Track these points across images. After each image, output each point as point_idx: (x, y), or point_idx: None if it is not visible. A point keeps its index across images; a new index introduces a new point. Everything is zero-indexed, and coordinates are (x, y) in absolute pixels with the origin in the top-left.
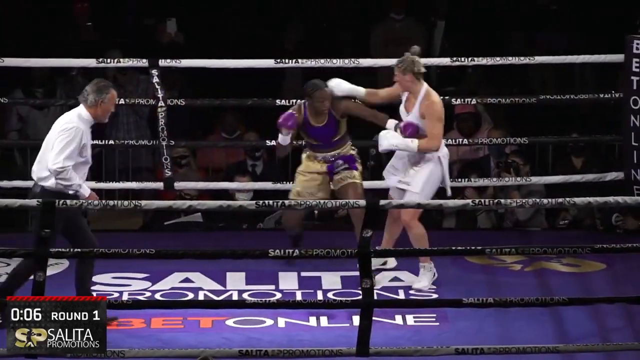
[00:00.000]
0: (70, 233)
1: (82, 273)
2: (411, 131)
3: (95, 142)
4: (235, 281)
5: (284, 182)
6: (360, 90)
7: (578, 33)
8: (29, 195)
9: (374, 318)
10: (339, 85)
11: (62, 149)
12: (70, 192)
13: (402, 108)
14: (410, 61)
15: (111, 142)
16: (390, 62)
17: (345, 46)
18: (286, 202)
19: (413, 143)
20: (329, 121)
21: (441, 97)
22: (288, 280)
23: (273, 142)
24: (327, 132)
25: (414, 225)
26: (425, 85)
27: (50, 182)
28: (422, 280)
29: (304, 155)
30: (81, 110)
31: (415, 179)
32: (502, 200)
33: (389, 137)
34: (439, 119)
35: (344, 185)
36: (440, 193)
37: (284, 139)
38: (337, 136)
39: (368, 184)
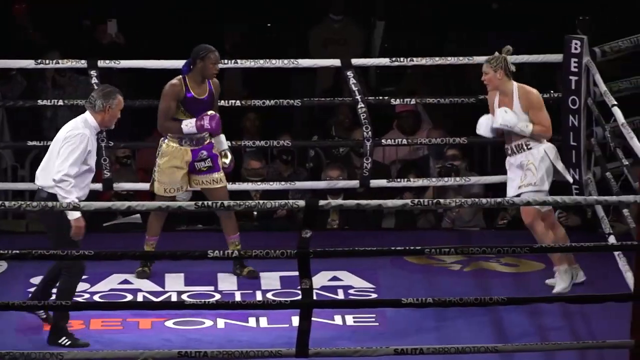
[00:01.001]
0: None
1: (53, 281)
2: (215, 123)
3: (34, 143)
4: (174, 282)
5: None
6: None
7: (518, 33)
8: (36, 201)
9: (313, 318)
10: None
11: (67, 157)
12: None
13: (496, 108)
14: (502, 59)
15: (50, 143)
16: (330, 62)
17: (285, 47)
18: (225, 203)
19: (529, 127)
20: (209, 94)
21: (381, 98)
22: (227, 281)
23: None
24: (206, 106)
25: (537, 225)
26: (515, 83)
27: (53, 190)
28: (560, 284)
29: (163, 145)
30: (88, 117)
31: (530, 178)
32: (442, 200)
33: (509, 116)
34: (541, 107)
35: (207, 189)
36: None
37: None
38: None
39: (307, 184)
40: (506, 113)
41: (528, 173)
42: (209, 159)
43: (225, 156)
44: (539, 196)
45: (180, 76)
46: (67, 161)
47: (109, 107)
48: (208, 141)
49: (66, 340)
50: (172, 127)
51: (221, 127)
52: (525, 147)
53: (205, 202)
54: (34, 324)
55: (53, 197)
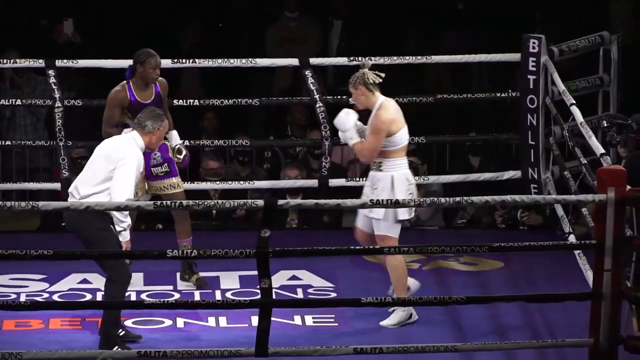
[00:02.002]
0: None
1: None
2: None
3: None
4: (134, 282)
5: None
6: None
7: (475, 32)
8: (72, 215)
9: (272, 318)
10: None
11: (128, 180)
12: (119, 228)
13: None
14: (360, 74)
15: (8, 142)
16: (288, 61)
17: (242, 46)
18: (184, 202)
19: (352, 140)
20: (155, 98)
21: (338, 97)
22: (186, 282)
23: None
24: (165, 147)
25: (394, 258)
26: (380, 100)
27: (93, 202)
28: (394, 318)
29: None
30: (136, 137)
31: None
32: (400, 200)
33: (345, 118)
34: (375, 132)
35: (165, 194)
36: None
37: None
38: None
39: (265, 184)
40: (347, 115)
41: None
42: (166, 164)
43: (179, 151)
44: (384, 226)
45: (125, 82)
46: (127, 186)
47: (157, 129)
48: (163, 143)
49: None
50: (115, 133)
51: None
52: (378, 167)
53: (164, 202)
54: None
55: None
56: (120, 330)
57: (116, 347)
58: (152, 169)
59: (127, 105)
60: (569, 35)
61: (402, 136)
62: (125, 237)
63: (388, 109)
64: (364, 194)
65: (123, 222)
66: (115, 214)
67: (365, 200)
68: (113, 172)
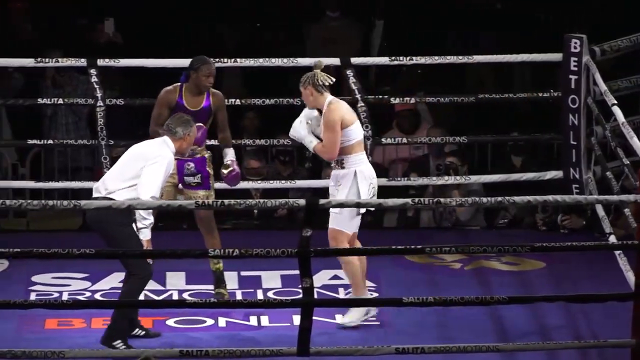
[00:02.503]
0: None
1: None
2: (200, 135)
3: (34, 141)
4: (175, 281)
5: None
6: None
7: (516, 32)
8: (94, 212)
9: (314, 317)
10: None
11: (156, 179)
12: (139, 224)
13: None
14: (311, 75)
15: (50, 141)
16: (329, 61)
17: (283, 46)
18: (225, 201)
19: (312, 143)
20: (203, 108)
21: (379, 97)
22: (228, 280)
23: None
24: (198, 118)
25: (349, 262)
26: (329, 98)
27: (119, 198)
28: (349, 315)
29: None
30: (167, 141)
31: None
32: (442, 200)
33: (297, 128)
34: (329, 128)
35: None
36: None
37: None
38: (206, 127)
39: (306, 183)
40: (300, 124)
41: (335, 194)
42: (199, 175)
43: (225, 167)
44: (340, 221)
45: (179, 84)
46: (155, 183)
47: (187, 135)
48: (201, 155)
49: (121, 344)
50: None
51: (205, 138)
52: (340, 165)
53: (206, 201)
54: (35, 322)
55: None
56: (139, 330)
57: (119, 341)
58: (184, 177)
59: (174, 107)
60: (611, 35)
61: (356, 130)
62: (146, 236)
63: (337, 105)
64: (330, 194)
65: (145, 220)
66: (140, 211)
67: (407, 200)
68: (142, 170)
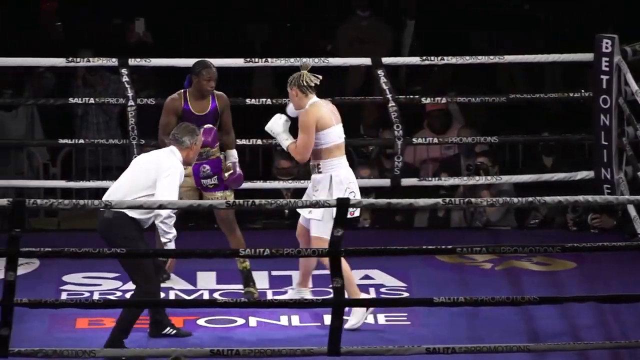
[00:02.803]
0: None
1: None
2: (211, 136)
3: (65, 141)
4: (206, 280)
5: (255, 181)
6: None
7: (547, 32)
8: (104, 222)
9: (345, 317)
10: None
11: (172, 191)
12: (163, 239)
13: None
14: (296, 76)
15: (81, 141)
16: (360, 61)
17: (313, 45)
18: (256, 201)
19: (287, 141)
20: (210, 112)
21: (410, 97)
22: (259, 280)
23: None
24: (204, 122)
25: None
26: (312, 100)
27: (136, 213)
28: (353, 318)
29: None
30: (175, 151)
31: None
32: (473, 200)
33: (275, 122)
34: (302, 130)
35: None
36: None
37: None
38: (216, 128)
39: None
40: (279, 119)
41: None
42: (215, 177)
43: (227, 169)
44: (320, 227)
45: (183, 90)
46: (172, 196)
47: (194, 144)
48: (216, 156)
49: (170, 329)
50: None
51: (217, 139)
52: (317, 169)
53: (237, 201)
54: (66, 321)
55: (131, 219)
56: (170, 329)
57: (168, 327)
58: (201, 180)
59: (180, 114)
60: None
61: (334, 133)
62: (171, 248)
63: (317, 106)
64: (307, 197)
65: (168, 234)
66: (161, 225)
67: (438, 200)
68: (154, 181)
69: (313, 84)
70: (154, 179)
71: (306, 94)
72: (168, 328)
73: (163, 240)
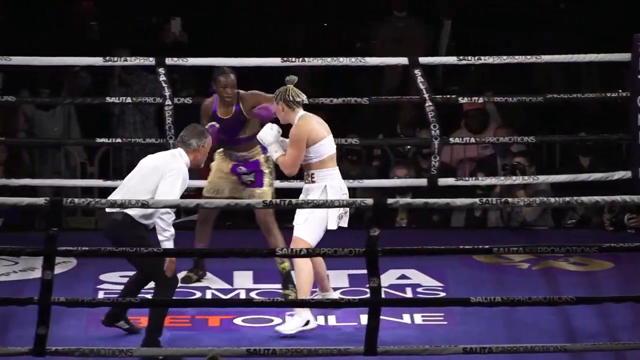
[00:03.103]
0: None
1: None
2: (264, 114)
3: (103, 140)
4: (243, 280)
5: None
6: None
7: (584, 32)
8: (110, 222)
9: (381, 317)
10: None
11: (174, 191)
12: (161, 237)
13: None
14: (282, 91)
15: (118, 140)
16: (397, 60)
17: (350, 45)
18: (293, 200)
19: (276, 153)
20: (234, 116)
21: (447, 96)
22: None
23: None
24: (231, 126)
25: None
26: (300, 114)
27: (135, 212)
28: (289, 323)
29: (216, 153)
30: (182, 154)
31: (300, 212)
32: (510, 200)
33: (266, 132)
34: (292, 145)
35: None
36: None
37: None
38: (243, 134)
39: (374, 183)
40: (271, 130)
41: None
42: (253, 174)
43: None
44: (303, 230)
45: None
46: (172, 195)
47: (201, 147)
48: (253, 159)
49: (124, 324)
50: None
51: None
52: (311, 179)
53: (273, 200)
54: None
55: (130, 219)
56: (124, 322)
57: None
58: (242, 175)
59: (211, 116)
60: None
61: (326, 145)
62: (168, 247)
63: (306, 120)
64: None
65: (166, 231)
66: (159, 222)
67: (475, 200)
68: (157, 185)
69: (299, 99)
70: (157, 182)
71: (293, 109)
72: (123, 322)
73: (160, 238)
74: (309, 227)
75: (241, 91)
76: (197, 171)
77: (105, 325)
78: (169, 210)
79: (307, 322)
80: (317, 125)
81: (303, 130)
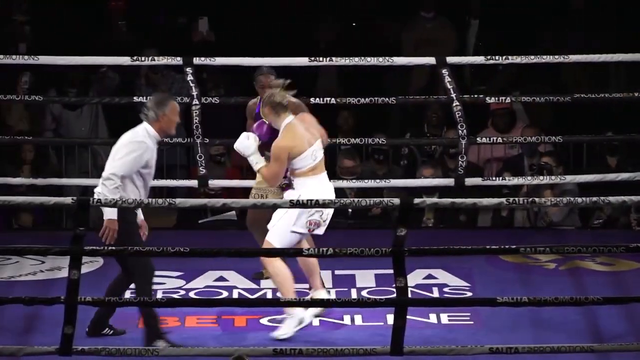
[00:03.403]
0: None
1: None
2: (261, 132)
3: None
4: (269, 280)
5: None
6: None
7: (611, 32)
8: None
9: (408, 316)
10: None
11: (121, 158)
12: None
13: None
14: (269, 94)
15: None
16: (424, 60)
17: (377, 45)
18: (320, 200)
19: (257, 165)
20: None
21: (474, 96)
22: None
23: None
24: (270, 127)
25: (269, 263)
26: (286, 121)
27: (98, 189)
28: (283, 328)
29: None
30: (147, 126)
31: (275, 215)
32: (537, 200)
33: (243, 144)
34: (274, 157)
35: None
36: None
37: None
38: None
39: (399, 182)
40: (247, 139)
41: (274, 217)
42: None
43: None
44: (272, 234)
45: None
46: (118, 162)
47: (162, 115)
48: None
49: (108, 330)
50: None
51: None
52: (291, 186)
53: (300, 200)
54: (129, 320)
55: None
56: (108, 329)
57: (160, 340)
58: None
59: (254, 117)
60: None
61: (306, 158)
62: (107, 214)
63: (290, 132)
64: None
65: (105, 197)
66: (101, 188)
67: (502, 200)
68: None
69: (286, 102)
70: None
71: (279, 114)
72: (107, 329)
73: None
74: (275, 231)
75: None
76: (223, 171)
77: (90, 336)
78: (110, 176)
79: (302, 320)
80: (300, 139)
81: (283, 147)
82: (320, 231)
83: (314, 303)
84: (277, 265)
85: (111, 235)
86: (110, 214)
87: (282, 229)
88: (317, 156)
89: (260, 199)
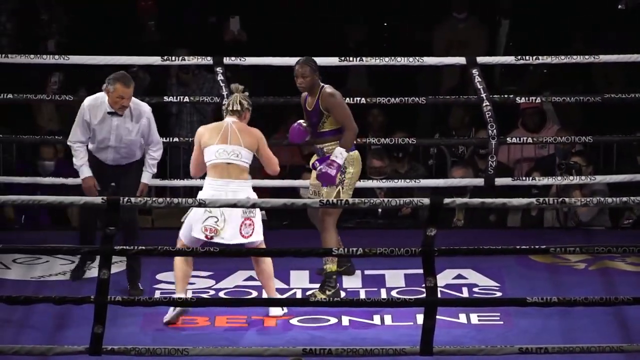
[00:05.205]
0: None
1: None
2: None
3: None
4: (300, 279)
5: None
6: None
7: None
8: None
9: (437, 316)
10: None
11: (75, 124)
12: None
13: None
14: (232, 98)
15: (175, 139)
16: (455, 60)
17: (409, 44)
18: (350, 200)
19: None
20: (314, 109)
21: (505, 96)
22: (352, 279)
23: None
24: (311, 117)
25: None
26: (227, 122)
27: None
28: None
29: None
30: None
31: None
32: (567, 200)
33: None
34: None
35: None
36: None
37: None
38: (321, 128)
39: (429, 182)
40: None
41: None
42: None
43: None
44: (182, 230)
45: None
46: (73, 129)
47: (107, 90)
48: (329, 154)
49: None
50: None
51: (298, 137)
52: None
53: (330, 200)
54: (159, 319)
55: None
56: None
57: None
58: (316, 168)
59: (303, 106)
60: None
61: (209, 153)
62: (83, 173)
63: (209, 126)
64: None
65: (75, 163)
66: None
67: (532, 200)
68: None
69: (235, 108)
70: None
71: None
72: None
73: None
74: (182, 229)
75: (326, 86)
76: (258, 170)
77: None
78: (68, 143)
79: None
80: (215, 130)
81: (198, 132)
82: (221, 239)
83: (346, 303)
84: (178, 260)
85: (92, 191)
86: (83, 174)
87: (186, 229)
88: (220, 157)
89: (315, 195)
